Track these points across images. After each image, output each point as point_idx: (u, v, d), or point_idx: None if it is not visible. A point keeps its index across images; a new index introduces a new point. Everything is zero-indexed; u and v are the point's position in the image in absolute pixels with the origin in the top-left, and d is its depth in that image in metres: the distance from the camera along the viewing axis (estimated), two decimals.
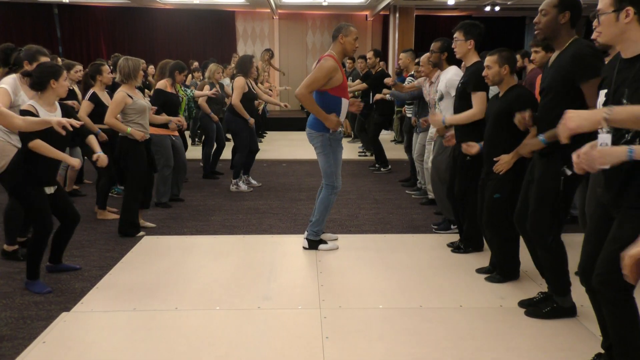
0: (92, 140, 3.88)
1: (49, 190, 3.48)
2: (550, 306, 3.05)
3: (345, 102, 4.02)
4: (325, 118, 3.94)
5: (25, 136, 3.29)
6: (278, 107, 7.43)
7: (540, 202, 2.89)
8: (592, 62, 2.67)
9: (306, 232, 4.30)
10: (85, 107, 4.96)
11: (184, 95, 6.48)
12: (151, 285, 3.54)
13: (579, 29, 2.89)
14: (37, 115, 3.31)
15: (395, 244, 4.43)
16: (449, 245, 4.27)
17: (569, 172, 2.77)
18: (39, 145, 3.30)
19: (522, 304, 3.20)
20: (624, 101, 2.11)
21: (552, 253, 2.93)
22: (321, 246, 4.23)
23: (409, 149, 6.45)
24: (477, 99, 3.68)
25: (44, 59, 4.03)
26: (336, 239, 4.45)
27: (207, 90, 6.95)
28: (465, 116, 3.75)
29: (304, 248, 4.25)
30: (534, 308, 3.10)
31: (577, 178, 2.85)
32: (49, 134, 3.27)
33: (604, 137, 2.10)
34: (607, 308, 2.24)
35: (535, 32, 2.92)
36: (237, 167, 6.37)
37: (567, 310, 3.03)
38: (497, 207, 3.39)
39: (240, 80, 6.17)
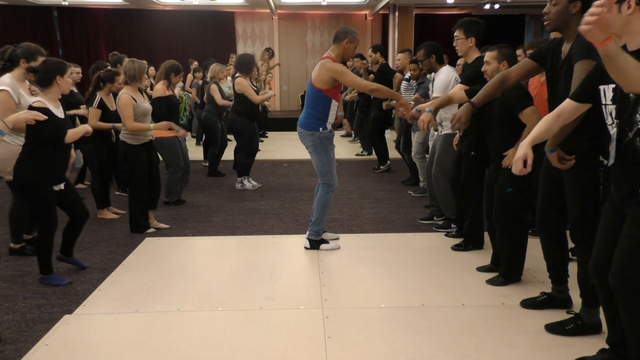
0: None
1: (58, 187, 3.56)
2: (574, 323, 2.87)
3: (335, 104, 4.07)
4: (396, 96, 4.10)
5: (61, 133, 3.42)
6: (269, 95, 7.38)
7: (581, 200, 2.73)
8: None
9: (307, 232, 4.30)
10: (94, 114, 4.95)
11: (184, 96, 6.49)
12: (153, 287, 3.55)
13: None
14: (49, 112, 3.38)
15: (396, 243, 4.42)
16: (453, 249, 4.23)
17: (606, 162, 2.62)
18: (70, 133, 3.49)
19: (525, 304, 3.16)
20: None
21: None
22: (323, 246, 4.23)
23: (398, 147, 6.57)
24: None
25: (41, 59, 3.99)
26: (337, 239, 4.45)
27: (216, 93, 6.98)
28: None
29: (306, 248, 4.24)
30: (556, 325, 2.89)
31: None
32: (57, 135, 3.43)
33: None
34: (624, 307, 2.17)
35: (545, 23, 2.80)
36: (240, 166, 6.40)
37: (592, 327, 2.83)
38: (508, 201, 3.35)
39: (244, 82, 6.18)
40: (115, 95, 5.25)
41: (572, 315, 2.94)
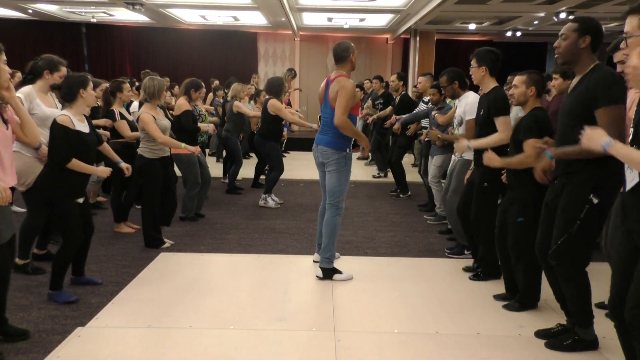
0: (107, 148, 4.03)
1: (79, 200, 3.59)
2: (571, 338, 2.96)
3: (356, 120, 4.10)
4: (363, 138, 4.25)
5: (62, 157, 3.40)
6: (309, 128, 7.20)
7: (566, 232, 2.78)
8: (613, 88, 2.63)
9: (319, 261, 4.12)
10: (124, 127, 5.01)
11: (205, 114, 6.55)
12: (166, 302, 3.55)
13: (601, 57, 2.87)
14: (73, 126, 3.44)
15: (411, 267, 4.38)
16: (464, 270, 4.20)
17: (595, 201, 2.71)
18: (75, 164, 3.42)
19: (539, 334, 3.12)
20: None
21: (576, 284, 2.85)
22: (336, 276, 4.02)
23: (420, 170, 6.54)
24: (502, 124, 3.68)
25: (64, 69, 4.09)
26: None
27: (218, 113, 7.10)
28: (491, 140, 3.70)
29: (318, 277, 4.04)
30: (554, 340, 3.01)
31: (606, 206, 2.79)
32: (78, 150, 3.44)
33: (633, 175, 2.10)
34: None
35: (556, 57, 2.91)
36: (269, 183, 6.50)
37: (589, 343, 2.93)
38: (521, 231, 3.34)
39: (277, 102, 6.31)
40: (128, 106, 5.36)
41: (560, 328, 3.10)
